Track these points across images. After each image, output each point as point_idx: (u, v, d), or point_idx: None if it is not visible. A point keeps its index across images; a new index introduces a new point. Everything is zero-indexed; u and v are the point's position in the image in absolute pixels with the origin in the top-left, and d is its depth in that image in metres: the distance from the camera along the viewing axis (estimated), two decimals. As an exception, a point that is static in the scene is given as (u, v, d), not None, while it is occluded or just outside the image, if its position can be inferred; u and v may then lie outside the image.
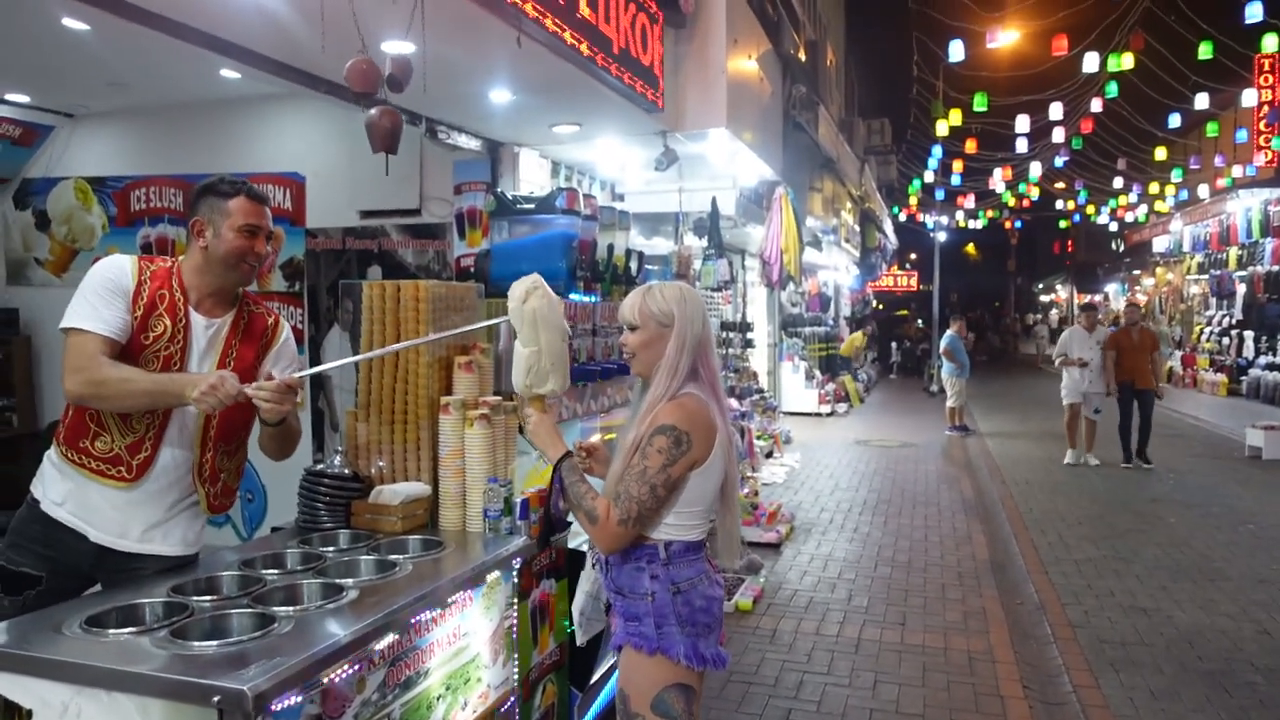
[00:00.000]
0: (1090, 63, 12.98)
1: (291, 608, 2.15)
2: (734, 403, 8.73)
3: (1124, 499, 8.23)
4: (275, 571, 2.44)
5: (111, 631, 1.97)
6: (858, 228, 19.93)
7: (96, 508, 2.50)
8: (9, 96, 5.74)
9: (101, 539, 2.50)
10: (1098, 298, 43.73)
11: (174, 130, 6.15)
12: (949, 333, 13.33)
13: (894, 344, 25.84)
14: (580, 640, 2.57)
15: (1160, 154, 19.17)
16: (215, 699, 1.69)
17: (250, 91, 5.52)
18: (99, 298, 2.44)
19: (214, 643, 1.91)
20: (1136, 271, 33.74)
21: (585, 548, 2.56)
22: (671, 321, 2.22)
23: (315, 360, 5.93)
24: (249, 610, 2.12)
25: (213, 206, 2.56)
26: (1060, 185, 24.93)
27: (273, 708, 1.75)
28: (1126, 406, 9.95)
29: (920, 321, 31.07)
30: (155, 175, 6.17)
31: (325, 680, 1.91)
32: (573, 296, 4.33)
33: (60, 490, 2.52)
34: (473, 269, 5.44)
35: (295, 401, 2.54)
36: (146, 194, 6.21)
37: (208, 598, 2.22)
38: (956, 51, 12.75)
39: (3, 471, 6.06)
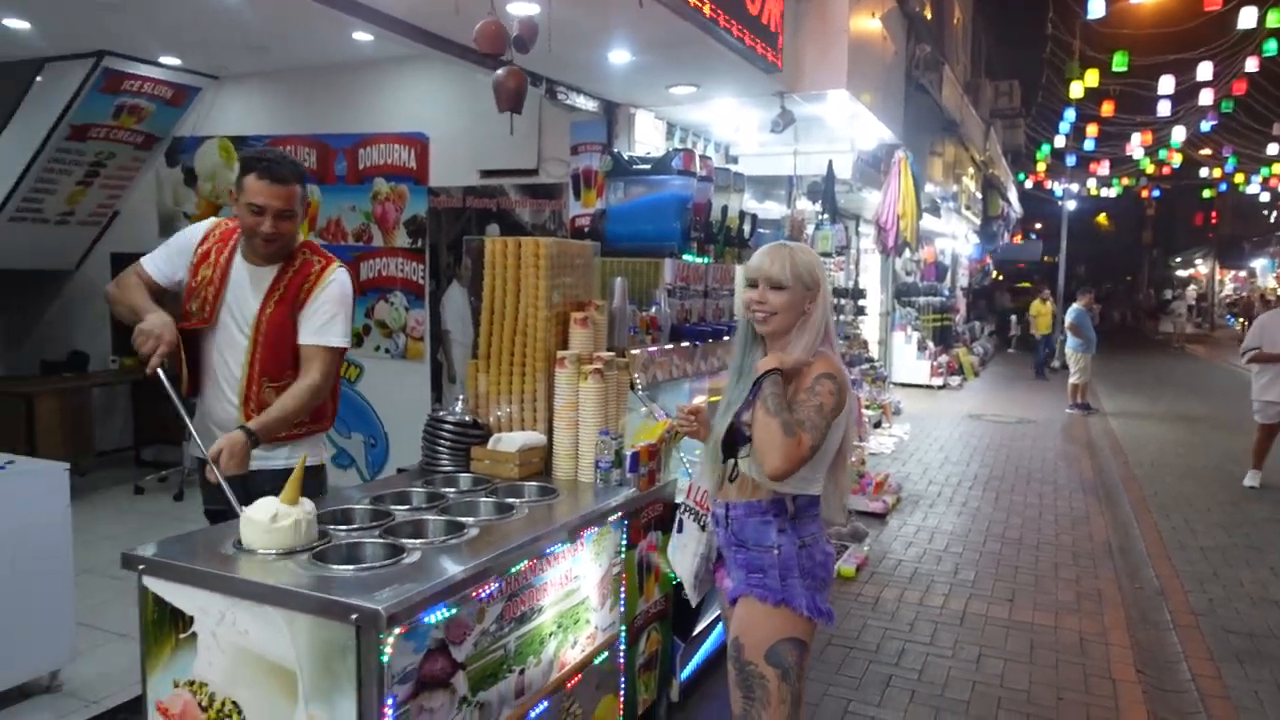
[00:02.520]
0: (1247, 17, 11.98)
1: (418, 541, 2.29)
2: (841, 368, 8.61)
3: (1260, 488, 7.74)
4: (403, 508, 2.61)
5: (261, 552, 2.15)
6: (979, 194, 19.14)
7: (202, 433, 2.74)
8: (162, 59, 6.14)
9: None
10: (1242, 274, 40.60)
11: (308, 91, 6.45)
12: (1075, 306, 12.71)
13: (1014, 317, 24.80)
14: (694, 601, 2.63)
15: (1323, 118, 17.60)
16: (353, 616, 1.84)
17: (379, 54, 5.74)
18: (167, 248, 2.86)
19: (351, 567, 2.07)
20: (1289, 246, 31.26)
21: (682, 511, 2.61)
22: (816, 284, 2.27)
23: (435, 314, 6.18)
24: (381, 540, 2.28)
25: (238, 180, 2.69)
26: (1206, 152, 23.21)
27: (403, 628, 1.89)
28: None
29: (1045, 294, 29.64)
30: (291, 135, 6.50)
31: (450, 607, 2.04)
32: (686, 257, 4.37)
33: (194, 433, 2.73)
34: (587, 228, 5.54)
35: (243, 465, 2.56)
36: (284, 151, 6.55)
37: (343, 527, 2.39)
38: (1096, 7, 12.00)
39: (160, 410, 6.58)
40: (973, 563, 5.47)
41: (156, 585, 2.08)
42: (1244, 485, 7.77)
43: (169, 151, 6.98)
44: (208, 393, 2.84)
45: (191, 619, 2.03)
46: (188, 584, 2.04)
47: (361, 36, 5.05)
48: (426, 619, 1.97)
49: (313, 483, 2.85)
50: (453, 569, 2.10)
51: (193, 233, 2.86)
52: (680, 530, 2.58)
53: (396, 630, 1.87)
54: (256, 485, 2.70)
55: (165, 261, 2.82)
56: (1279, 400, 7.61)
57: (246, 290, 2.77)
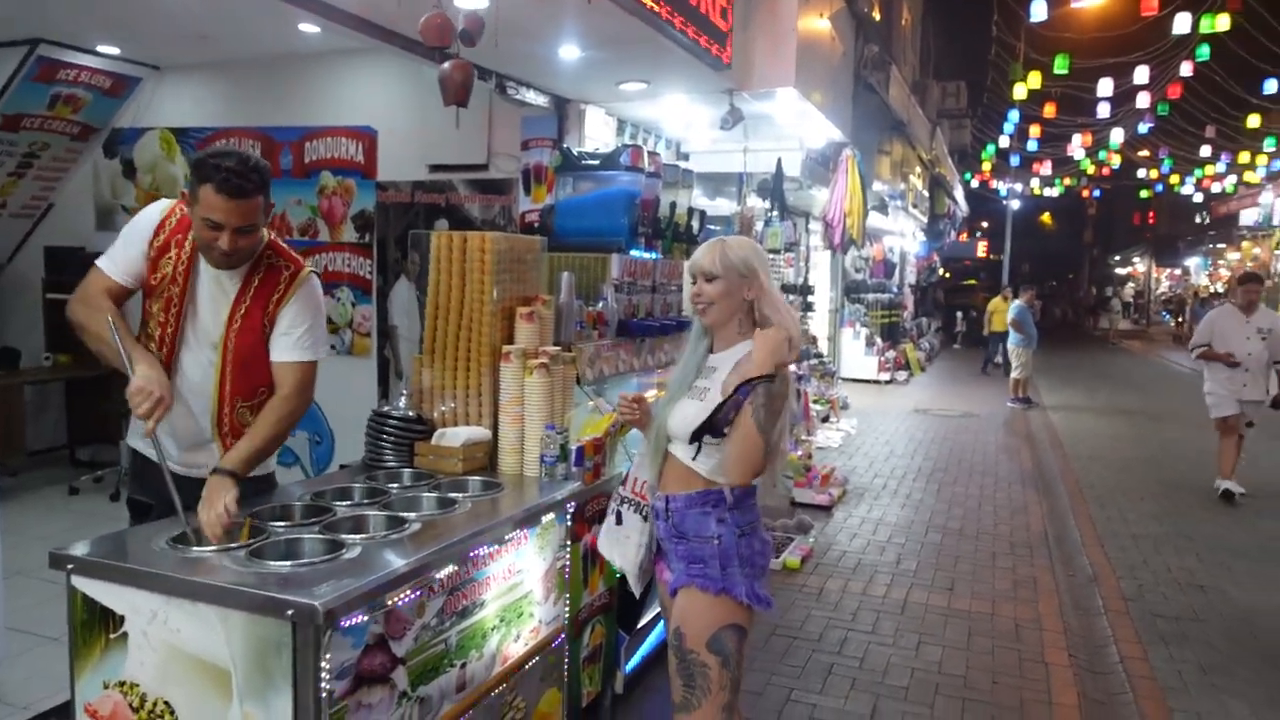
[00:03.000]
0: (1182, 23, 12.36)
1: (358, 536, 2.29)
2: (791, 365, 8.71)
3: (1191, 478, 8.03)
4: (344, 503, 2.60)
5: (195, 549, 2.13)
6: (926, 193, 19.48)
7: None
8: (100, 48, 5.98)
9: (179, 470, 2.68)
10: (1177, 272, 41.79)
11: (253, 83, 6.34)
12: (1017, 303, 13.03)
13: (959, 314, 25.32)
14: (637, 591, 2.65)
15: (1253, 121, 18.23)
16: (289, 612, 1.83)
17: (326, 46, 5.66)
18: (124, 241, 2.53)
19: (288, 563, 2.06)
20: (1221, 245, 32.33)
21: (619, 503, 2.63)
22: (750, 271, 2.31)
23: (382, 310, 6.12)
24: (320, 536, 2.26)
25: (191, 186, 2.37)
26: (1143, 153, 23.92)
27: (341, 624, 1.89)
28: None
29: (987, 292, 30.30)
30: (235, 127, 6.38)
31: (389, 602, 2.04)
32: (633, 253, 4.39)
33: (135, 426, 2.65)
34: (537, 224, 5.53)
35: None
36: (228, 144, 6.42)
37: (281, 524, 2.37)
38: (1039, 10, 12.28)
39: (97, 408, 6.43)
40: (915, 553, 5.59)
41: (86, 585, 2.04)
42: (1229, 493, 7.12)
43: (107, 143, 6.80)
44: (174, 409, 2.55)
45: (122, 619, 2.00)
46: (118, 583, 2.01)
47: (307, 28, 4.98)
48: (365, 614, 1.97)
49: (264, 492, 2.82)
50: (392, 564, 2.10)
51: (147, 219, 2.54)
52: (620, 522, 2.60)
53: (334, 626, 1.86)
54: (196, 488, 2.69)
55: (126, 260, 2.51)
56: (1233, 392, 7.02)
57: (211, 300, 2.52)
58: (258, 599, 1.88)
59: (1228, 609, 4.78)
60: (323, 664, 1.85)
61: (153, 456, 2.39)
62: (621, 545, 2.57)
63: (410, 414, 3.12)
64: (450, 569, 2.28)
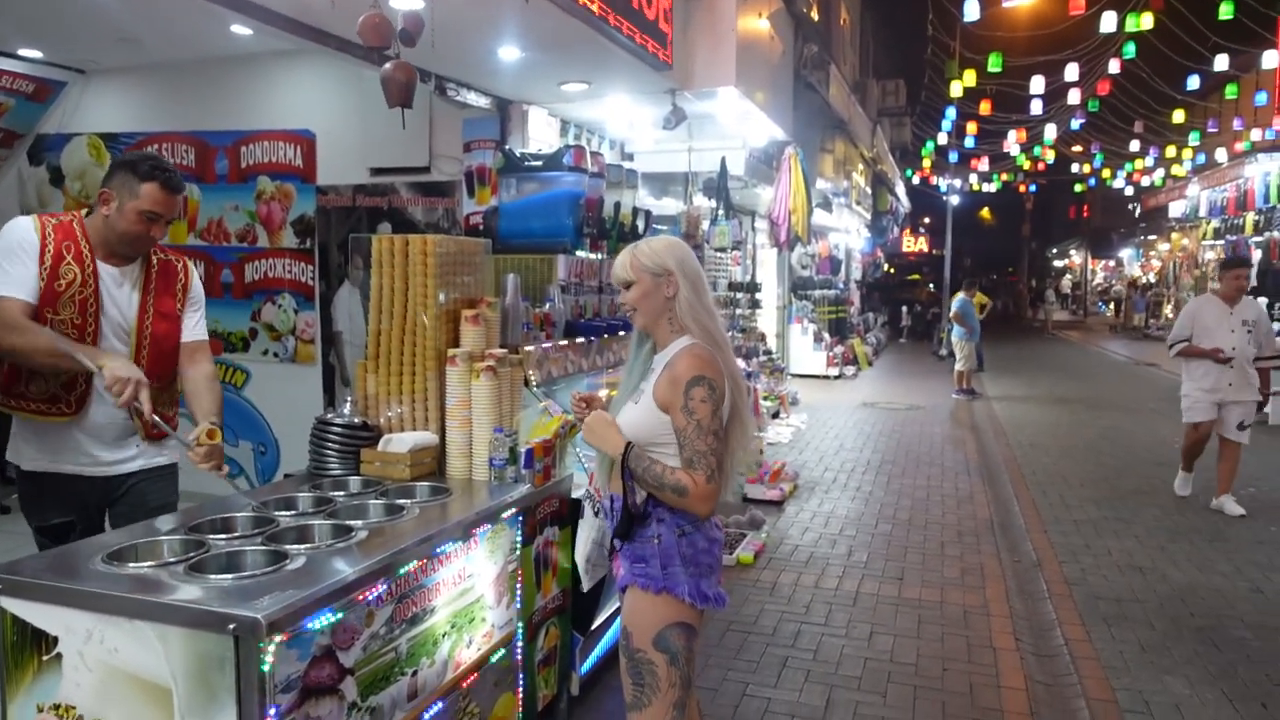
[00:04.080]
0: (1108, 22, 12.74)
1: (303, 546, 2.24)
2: (741, 363, 8.78)
3: (1128, 463, 8.29)
4: (288, 513, 2.54)
5: (132, 565, 2.07)
6: (869, 190, 19.80)
7: (58, 446, 2.68)
8: (22, 52, 5.77)
9: (82, 470, 2.69)
10: (1111, 263, 42.99)
11: (186, 87, 6.18)
12: (960, 296, 13.31)
13: (904, 308, 25.79)
14: (585, 586, 2.65)
15: (1178, 117, 18.88)
16: (231, 626, 1.79)
17: (261, 48, 5.54)
18: (11, 262, 2.59)
19: (229, 576, 2.01)
20: (1152, 237, 33.43)
21: (584, 497, 2.64)
22: (664, 271, 2.29)
23: (326, 316, 6.02)
24: (263, 548, 2.21)
25: (124, 183, 2.63)
26: (1076, 148, 24.62)
27: (285, 636, 1.85)
28: None
29: (932, 285, 30.93)
30: (167, 132, 6.22)
31: (335, 612, 2.00)
32: (579, 253, 4.38)
33: (26, 450, 2.70)
34: (481, 226, 5.49)
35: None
36: (159, 150, 6.24)
37: (222, 536, 2.31)
38: (972, 10, 12.55)
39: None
40: (865, 544, 5.67)
41: (15, 606, 1.96)
42: (1176, 494, 6.89)
43: (32, 149, 6.57)
44: (93, 406, 2.71)
45: (55, 639, 1.93)
46: (50, 602, 1.94)
47: (240, 30, 4.87)
48: (310, 625, 1.93)
49: (170, 483, 2.88)
50: (338, 573, 2.06)
51: (25, 238, 2.63)
52: (582, 516, 2.60)
53: (278, 638, 1.82)
54: (116, 486, 2.76)
55: (25, 279, 2.58)
56: (1213, 395, 6.34)
57: (118, 295, 2.72)
58: (198, 614, 1.83)
59: (1165, 589, 4.94)
60: (267, 677, 1.81)
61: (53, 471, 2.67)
62: (579, 540, 2.57)
63: (355, 420, 3.07)
64: (398, 576, 2.24)
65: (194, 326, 2.92)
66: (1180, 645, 4.19)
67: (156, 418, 2.57)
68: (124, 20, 4.92)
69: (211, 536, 2.29)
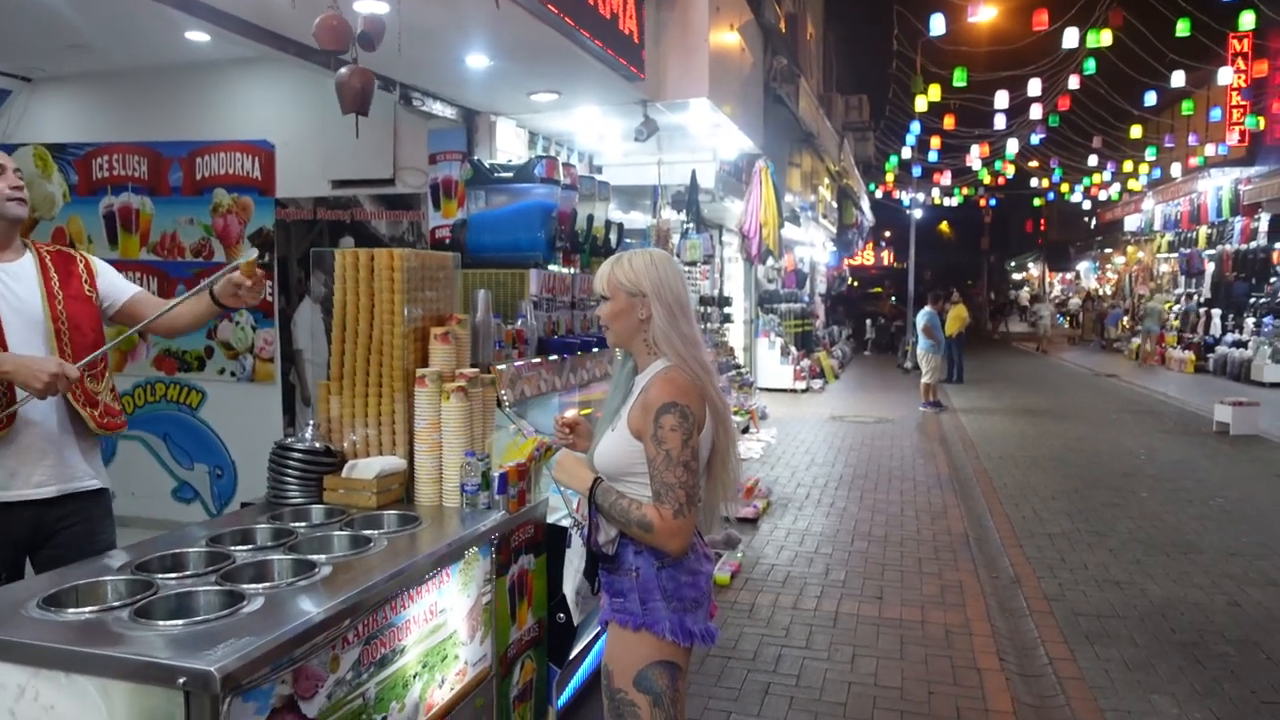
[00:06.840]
0: (1070, 38, 12.95)
1: (261, 585, 2.07)
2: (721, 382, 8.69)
3: (1097, 475, 8.31)
4: (244, 548, 2.37)
5: (71, 611, 1.89)
6: (835, 204, 19.93)
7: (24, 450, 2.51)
8: (-37, 57, 5.52)
9: (6, 496, 2.51)
10: (1069, 276, 43.86)
11: (138, 96, 5.94)
12: (926, 309, 13.36)
13: (868, 321, 25.95)
14: (576, 620, 2.51)
15: (1135, 132, 19.27)
16: (181, 680, 1.62)
17: (218, 55, 5.34)
18: None
19: (179, 622, 1.84)
20: (1108, 250, 34.11)
21: (572, 525, 2.50)
22: (639, 291, 2.16)
23: (286, 333, 5.81)
24: (216, 588, 2.04)
25: None
26: (1035, 163, 25.02)
27: (242, 689, 1.68)
28: None
29: (895, 298, 31.22)
30: (118, 142, 5.97)
31: (297, 659, 1.84)
32: (551, 268, 4.25)
33: None
34: (449, 239, 5.33)
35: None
36: (109, 162, 6.01)
37: (173, 575, 2.14)
38: (937, 25, 12.69)
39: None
40: (842, 562, 5.58)
41: (-61, 659, 1.78)
42: None
43: (-26, 159, 6.28)
44: (17, 428, 2.53)
45: (-16, 696, 1.75)
46: (-23, 655, 1.76)
47: (196, 36, 4.68)
48: (269, 676, 1.76)
49: (102, 508, 2.74)
50: (300, 616, 1.90)
51: None
52: (570, 545, 2.45)
53: (233, 693, 1.66)
54: (60, 507, 2.61)
55: None
56: None
57: (17, 288, 2.59)
58: (143, 666, 1.66)
59: (1144, 604, 4.90)
60: (221, 736, 1.64)
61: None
62: (567, 569, 2.43)
63: (317, 445, 2.89)
64: (365, 616, 2.08)
65: (121, 286, 2.85)
66: (1164, 662, 4.14)
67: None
68: (74, 26, 4.69)
69: (160, 576, 2.11)
